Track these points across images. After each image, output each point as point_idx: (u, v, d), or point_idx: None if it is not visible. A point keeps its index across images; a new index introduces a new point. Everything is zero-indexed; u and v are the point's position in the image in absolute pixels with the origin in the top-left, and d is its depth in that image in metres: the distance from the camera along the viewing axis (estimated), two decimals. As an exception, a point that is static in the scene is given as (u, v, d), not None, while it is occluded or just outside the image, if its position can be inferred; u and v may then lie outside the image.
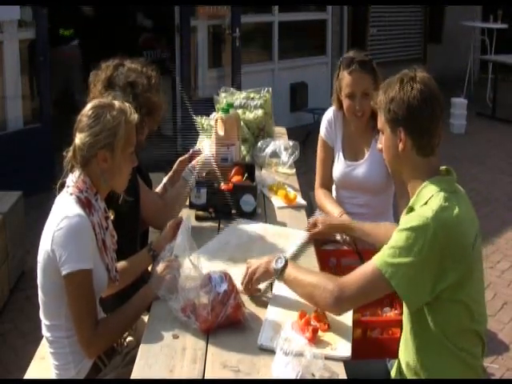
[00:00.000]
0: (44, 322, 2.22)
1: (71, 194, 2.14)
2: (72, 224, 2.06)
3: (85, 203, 2.12)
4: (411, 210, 2.06)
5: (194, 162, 2.98)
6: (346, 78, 3.04)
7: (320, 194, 3.28)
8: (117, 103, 2.20)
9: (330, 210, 3.13)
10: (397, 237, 1.96)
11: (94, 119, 2.14)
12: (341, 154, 3.23)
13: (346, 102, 3.08)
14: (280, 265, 2.12)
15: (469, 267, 1.98)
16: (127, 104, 2.25)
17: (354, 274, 2.02)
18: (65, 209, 2.11)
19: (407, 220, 1.98)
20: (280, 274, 2.13)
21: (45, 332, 2.23)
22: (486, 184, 6.89)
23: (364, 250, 2.94)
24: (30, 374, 2.44)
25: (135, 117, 2.23)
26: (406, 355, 2.11)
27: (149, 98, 2.63)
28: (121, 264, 2.42)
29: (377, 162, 3.08)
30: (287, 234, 2.75)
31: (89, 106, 2.19)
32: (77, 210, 2.10)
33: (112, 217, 2.34)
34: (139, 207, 2.67)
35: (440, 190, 1.99)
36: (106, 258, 2.21)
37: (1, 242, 4.17)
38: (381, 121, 2.13)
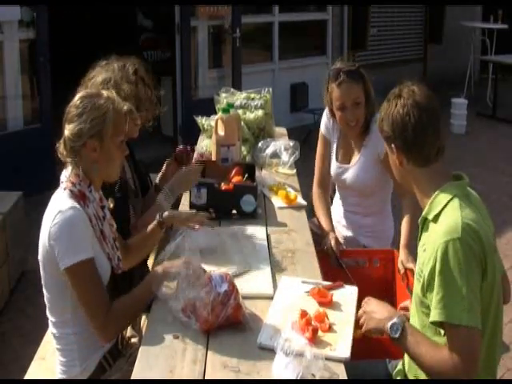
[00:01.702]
0: (50, 318, 2.22)
1: (65, 189, 2.15)
2: (66, 217, 2.06)
3: (78, 196, 2.13)
4: (425, 220, 2.05)
5: (172, 181, 2.78)
6: (335, 90, 3.01)
7: (315, 197, 3.31)
8: (105, 92, 2.22)
9: (320, 219, 3.20)
10: (440, 281, 1.87)
11: (81, 109, 2.14)
12: (334, 154, 3.27)
13: (338, 114, 3.06)
14: (396, 335, 1.99)
15: (493, 271, 1.96)
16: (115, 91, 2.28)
17: (454, 349, 1.85)
18: (59, 204, 2.11)
19: (438, 252, 1.88)
20: (396, 341, 2.01)
21: (52, 328, 2.23)
22: (486, 184, 6.88)
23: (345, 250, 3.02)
24: (30, 375, 2.43)
25: (124, 105, 2.23)
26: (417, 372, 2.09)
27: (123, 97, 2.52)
28: (132, 239, 2.48)
29: (365, 166, 3.13)
30: (248, 234, 2.75)
31: (77, 96, 2.20)
32: (70, 203, 2.10)
33: (111, 205, 2.35)
34: (128, 207, 2.67)
35: (453, 197, 1.97)
36: (106, 248, 2.21)
37: (1, 242, 4.17)
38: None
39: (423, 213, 2.05)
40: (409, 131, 2.02)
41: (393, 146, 2.07)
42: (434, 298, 1.89)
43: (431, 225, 2.01)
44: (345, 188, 3.27)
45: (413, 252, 2.87)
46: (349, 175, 3.19)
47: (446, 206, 1.97)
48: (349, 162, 3.20)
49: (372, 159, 3.09)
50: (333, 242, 2.99)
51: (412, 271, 2.78)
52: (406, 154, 2.05)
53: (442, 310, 1.86)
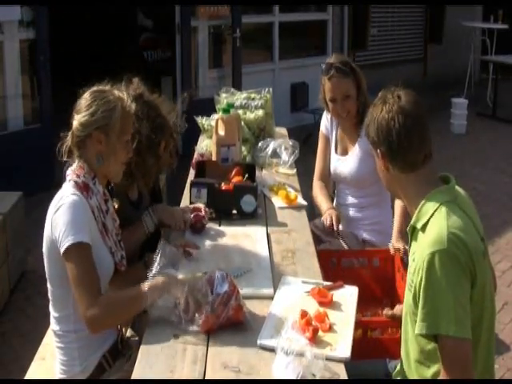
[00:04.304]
0: (53, 314, 2.23)
1: (69, 181, 2.19)
2: (66, 203, 2.10)
3: (82, 187, 2.16)
4: (414, 229, 2.03)
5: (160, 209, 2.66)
6: (326, 83, 3.18)
7: (316, 186, 3.40)
8: (116, 91, 2.25)
9: (320, 202, 3.30)
10: (427, 293, 1.86)
11: (91, 101, 2.19)
12: (333, 148, 3.37)
13: (330, 106, 3.22)
14: None
15: (484, 277, 1.95)
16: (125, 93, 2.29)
17: (444, 360, 1.87)
18: (62, 193, 2.15)
19: (424, 264, 1.87)
20: None
21: (53, 325, 2.24)
22: (487, 184, 6.89)
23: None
24: (30, 375, 2.43)
25: (132, 106, 2.27)
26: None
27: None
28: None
29: (361, 156, 3.20)
30: (247, 234, 2.74)
31: (89, 90, 2.25)
32: (72, 191, 2.14)
33: (116, 205, 2.35)
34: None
35: (440, 205, 1.95)
36: (108, 241, 2.22)
37: (1, 242, 4.17)
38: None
39: (412, 221, 2.03)
40: (393, 137, 1.99)
41: (378, 151, 2.06)
42: (421, 310, 1.88)
43: (419, 234, 1.99)
44: (342, 181, 3.34)
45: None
46: (346, 166, 3.27)
47: (433, 214, 1.95)
48: (347, 154, 3.29)
49: (367, 150, 3.12)
50: (333, 217, 3.10)
51: (402, 256, 2.86)
52: (391, 159, 2.03)
53: (429, 323, 1.86)
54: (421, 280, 1.89)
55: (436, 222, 1.93)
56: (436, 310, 1.86)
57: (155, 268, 2.16)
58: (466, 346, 1.85)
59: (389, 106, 2.02)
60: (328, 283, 2.33)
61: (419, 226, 1.98)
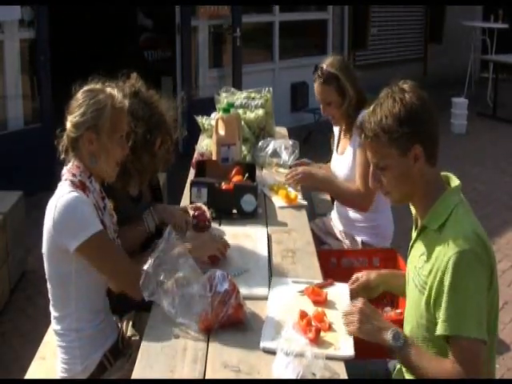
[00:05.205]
0: (53, 314, 2.23)
1: (65, 180, 2.19)
2: (67, 201, 2.10)
3: (79, 186, 2.16)
4: (424, 228, 2.00)
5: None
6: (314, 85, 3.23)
7: None
8: (108, 89, 2.25)
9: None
10: (451, 293, 1.83)
11: (82, 101, 2.20)
12: (335, 147, 3.39)
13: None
14: (398, 343, 1.93)
15: (497, 276, 1.94)
16: (116, 90, 2.28)
17: (458, 362, 1.83)
18: (59, 193, 2.15)
19: (448, 264, 1.83)
20: (398, 352, 1.96)
21: (54, 325, 2.24)
22: (487, 184, 6.89)
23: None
24: (30, 375, 2.43)
25: (124, 103, 2.26)
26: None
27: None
28: None
29: (353, 156, 3.16)
30: (248, 233, 2.74)
31: (81, 90, 2.25)
32: (70, 189, 2.14)
33: (112, 205, 2.35)
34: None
35: (456, 205, 1.94)
36: None
37: (1, 241, 4.16)
38: (382, 155, 1.95)
39: (423, 221, 2.00)
40: (432, 124, 1.95)
41: (416, 145, 1.91)
42: (445, 310, 1.85)
43: (434, 234, 1.95)
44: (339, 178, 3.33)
45: (403, 252, 2.83)
46: (340, 166, 3.26)
47: (450, 214, 1.93)
48: (343, 154, 3.29)
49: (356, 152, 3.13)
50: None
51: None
52: (430, 150, 1.94)
53: (452, 324, 1.84)
54: (441, 280, 1.86)
55: (456, 222, 1.91)
56: (461, 312, 1.84)
57: (157, 252, 2.17)
58: (482, 347, 1.85)
59: (416, 94, 1.94)
60: (318, 281, 2.32)
61: (434, 226, 1.95)
